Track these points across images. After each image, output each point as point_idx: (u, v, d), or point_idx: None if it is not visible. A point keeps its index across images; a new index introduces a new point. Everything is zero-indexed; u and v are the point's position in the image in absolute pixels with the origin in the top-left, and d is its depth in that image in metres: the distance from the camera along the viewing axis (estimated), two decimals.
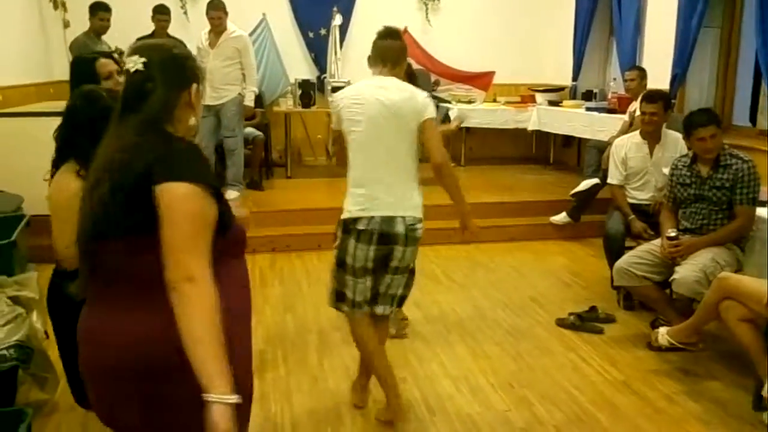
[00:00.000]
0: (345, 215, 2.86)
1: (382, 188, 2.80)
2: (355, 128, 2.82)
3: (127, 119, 1.57)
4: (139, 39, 5.92)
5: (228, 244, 1.60)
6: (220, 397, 1.39)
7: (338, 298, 2.96)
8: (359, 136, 2.82)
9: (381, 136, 2.79)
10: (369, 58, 2.96)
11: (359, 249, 2.81)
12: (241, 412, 1.57)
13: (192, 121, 1.65)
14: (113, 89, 2.82)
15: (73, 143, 2.29)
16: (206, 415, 1.38)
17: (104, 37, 6.01)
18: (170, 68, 1.60)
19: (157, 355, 1.48)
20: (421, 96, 2.84)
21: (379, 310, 2.96)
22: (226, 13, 5.81)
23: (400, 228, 2.80)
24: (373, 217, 2.79)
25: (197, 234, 1.45)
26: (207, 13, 5.81)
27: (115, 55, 5.65)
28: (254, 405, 3.09)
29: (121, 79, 2.93)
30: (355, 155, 2.85)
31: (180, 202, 1.43)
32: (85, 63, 3.00)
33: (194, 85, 1.63)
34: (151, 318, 1.48)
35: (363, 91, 2.85)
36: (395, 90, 2.82)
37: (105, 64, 2.91)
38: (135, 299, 1.51)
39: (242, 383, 1.57)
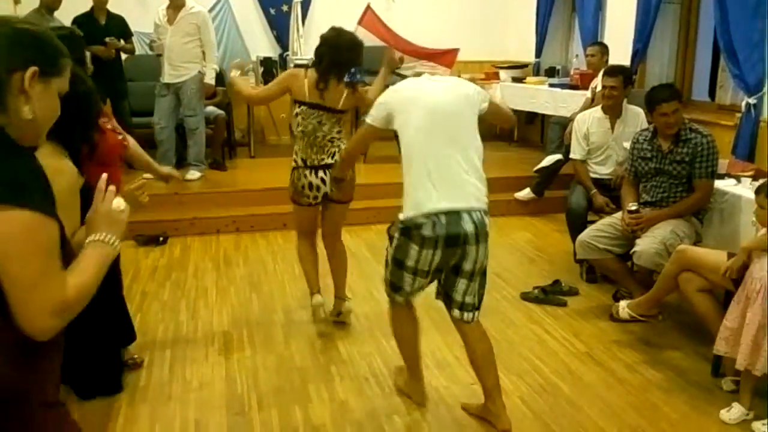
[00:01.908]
0: (406, 214, 2.62)
1: (442, 183, 2.61)
2: (415, 124, 2.64)
3: None
4: (76, 17, 5.79)
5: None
6: (115, 247, 1.42)
7: (393, 289, 2.80)
8: (420, 132, 2.64)
9: (439, 127, 2.64)
10: None
11: (424, 254, 2.60)
12: None
13: (27, 114, 1.31)
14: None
15: (57, 127, 2.15)
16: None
17: (57, 14, 5.81)
18: (4, 42, 1.31)
19: None
20: (472, 85, 2.85)
21: (457, 314, 2.77)
22: None
23: (468, 226, 2.58)
24: (438, 220, 2.56)
25: (47, 262, 1.24)
26: None
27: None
28: (221, 385, 3.13)
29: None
30: (412, 151, 2.65)
31: (24, 234, 1.21)
32: (72, 35, 2.84)
33: (32, 69, 1.31)
34: None
35: (418, 85, 2.76)
36: (449, 79, 2.87)
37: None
38: None
39: None
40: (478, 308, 2.79)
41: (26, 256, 1.21)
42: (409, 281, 2.71)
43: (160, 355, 3.41)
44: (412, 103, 2.67)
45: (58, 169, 2.05)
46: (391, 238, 2.72)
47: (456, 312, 2.77)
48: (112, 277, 3.15)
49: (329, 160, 3.46)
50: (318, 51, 3.41)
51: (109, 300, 2.93)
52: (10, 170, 1.24)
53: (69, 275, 1.29)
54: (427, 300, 4.03)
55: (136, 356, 3.28)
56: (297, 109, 3.45)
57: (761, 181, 3.21)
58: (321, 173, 3.47)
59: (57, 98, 1.39)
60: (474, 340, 2.81)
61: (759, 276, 2.79)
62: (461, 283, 2.70)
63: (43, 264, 1.23)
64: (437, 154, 2.61)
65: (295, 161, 3.54)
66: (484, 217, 2.64)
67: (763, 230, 2.90)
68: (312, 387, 3.13)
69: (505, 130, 8.30)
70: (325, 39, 3.42)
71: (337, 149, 3.45)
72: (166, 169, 3.36)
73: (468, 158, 2.65)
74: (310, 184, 3.49)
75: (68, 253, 1.37)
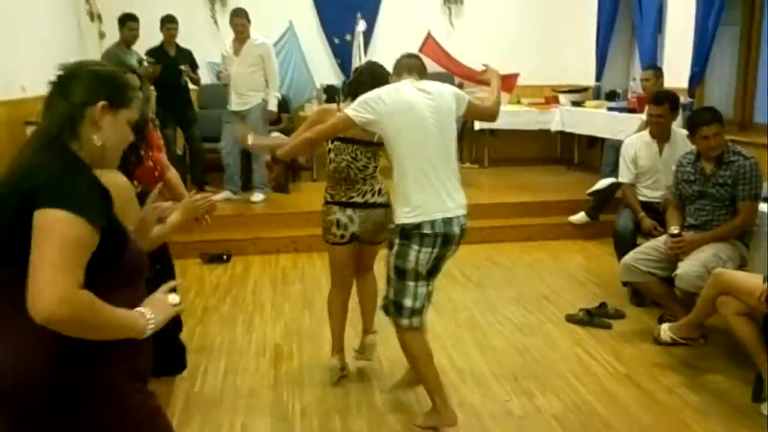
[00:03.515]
0: (404, 220, 2.81)
1: (437, 189, 2.80)
2: (406, 132, 2.78)
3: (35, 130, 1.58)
4: (148, 50, 6.27)
5: (121, 274, 1.56)
6: (148, 324, 1.54)
7: (397, 308, 2.89)
8: (411, 138, 2.78)
9: (431, 137, 2.80)
10: (394, 71, 3.02)
11: (422, 253, 2.79)
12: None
13: (96, 141, 1.55)
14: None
15: None
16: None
17: (134, 47, 6.29)
18: (79, 82, 1.55)
19: (12, 383, 1.46)
20: (451, 88, 3.00)
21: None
22: (249, 21, 6.04)
23: (456, 228, 2.83)
24: (435, 220, 2.78)
25: (66, 256, 1.37)
26: (231, 21, 6.06)
27: (144, 63, 5.94)
28: (268, 392, 3.34)
29: (140, 95, 3.14)
30: (406, 159, 2.80)
31: (54, 225, 1.38)
32: None
33: (101, 103, 1.55)
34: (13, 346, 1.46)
35: (406, 94, 2.82)
36: (433, 88, 2.88)
37: (132, 79, 3.14)
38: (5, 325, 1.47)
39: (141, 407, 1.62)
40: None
41: (46, 245, 1.37)
42: (411, 291, 2.85)
43: (215, 364, 3.65)
44: (404, 113, 2.77)
45: (119, 183, 2.27)
46: (391, 245, 2.88)
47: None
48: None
49: (358, 199, 3.25)
50: (356, 81, 3.25)
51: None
52: (61, 180, 1.44)
53: (95, 298, 1.41)
54: (473, 321, 4.19)
55: None
56: (330, 146, 3.23)
57: None
58: (349, 211, 3.27)
59: (126, 127, 1.64)
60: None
61: None
62: (430, 285, 2.95)
63: (59, 255, 1.36)
64: (431, 165, 2.79)
65: (325, 198, 3.35)
66: (465, 223, 2.90)
67: None
68: (353, 398, 3.29)
69: (560, 154, 8.36)
70: (363, 69, 3.34)
71: (369, 188, 3.27)
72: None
73: (454, 168, 2.89)
74: (338, 221, 3.27)
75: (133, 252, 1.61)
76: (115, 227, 1.53)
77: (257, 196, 6.32)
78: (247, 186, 6.55)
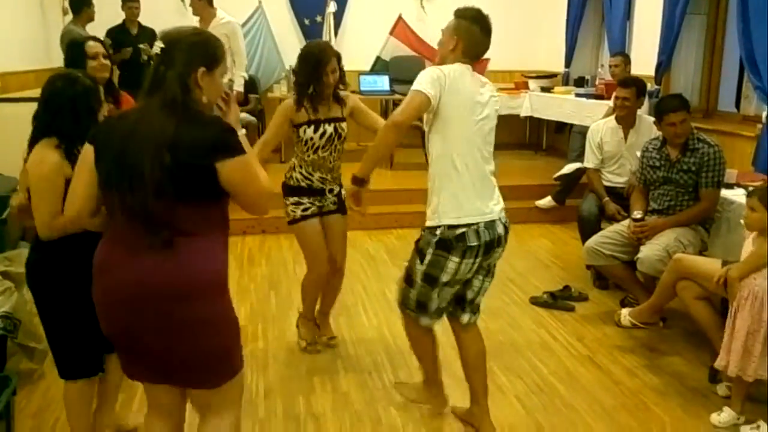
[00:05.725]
0: (444, 223, 2.53)
1: (484, 184, 2.57)
2: (463, 113, 2.52)
3: (153, 96, 1.85)
4: (109, 29, 6.15)
5: None
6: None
7: (420, 308, 2.68)
8: (465, 123, 2.53)
9: (481, 126, 2.56)
10: (461, 43, 2.63)
11: (464, 264, 2.55)
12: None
13: (204, 99, 1.88)
14: (92, 71, 2.99)
15: (55, 124, 2.36)
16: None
17: (93, 25, 6.14)
18: (182, 52, 1.83)
19: (174, 282, 1.84)
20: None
21: (466, 318, 2.79)
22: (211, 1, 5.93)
23: (500, 229, 2.59)
24: (478, 229, 2.53)
25: (261, 173, 1.94)
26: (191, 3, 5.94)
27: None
28: None
29: (106, 62, 3.12)
30: (456, 145, 2.53)
31: (245, 165, 1.87)
32: (76, 46, 3.15)
33: (201, 68, 1.84)
34: (174, 257, 1.83)
35: (466, 77, 2.56)
36: (485, 80, 2.67)
37: (93, 46, 3.10)
38: (169, 244, 1.83)
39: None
40: (478, 312, 2.85)
41: (252, 176, 1.93)
42: (436, 295, 2.64)
43: None
44: (462, 95, 2.51)
45: (42, 159, 2.28)
46: (421, 253, 2.60)
47: (466, 316, 2.79)
48: None
49: None
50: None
51: None
52: (222, 134, 1.85)
53: (257, 161, 2.02)
54: None
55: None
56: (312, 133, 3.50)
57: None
58: None
59: (220, 81, 1.95)
60: (471, 339, 2.85)
61: (747, 283, 2.84)
62: (477, 281, 2.71)
63: (260, 176, 1.97)
64: (476, 159, 2.55)
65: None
66: (506, 220, 2.66)
67: (749, 238, 2.96)
68: (317, 379, 3.29)
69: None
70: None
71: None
72: None
73: (492, 165, 2.65)
74: None
75: None
76: None
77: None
78: None
